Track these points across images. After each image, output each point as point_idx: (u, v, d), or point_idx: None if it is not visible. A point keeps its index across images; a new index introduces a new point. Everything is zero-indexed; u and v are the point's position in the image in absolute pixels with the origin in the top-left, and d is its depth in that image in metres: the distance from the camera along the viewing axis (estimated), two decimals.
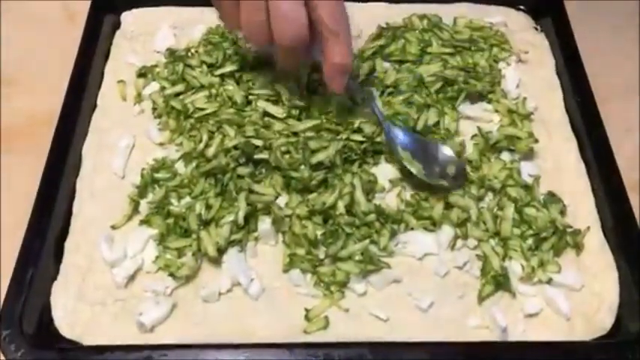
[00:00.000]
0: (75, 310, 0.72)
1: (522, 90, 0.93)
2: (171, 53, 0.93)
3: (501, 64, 0.96)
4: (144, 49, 0.97)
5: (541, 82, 0.95)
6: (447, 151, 0.82)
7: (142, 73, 0.92)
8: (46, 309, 0.73)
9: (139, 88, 0.92)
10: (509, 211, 0.78)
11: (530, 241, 0.76)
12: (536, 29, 1.02)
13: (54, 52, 0.99)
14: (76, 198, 0.81)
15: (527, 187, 0.81)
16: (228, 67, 0.89)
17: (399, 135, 0.82)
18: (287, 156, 0.81)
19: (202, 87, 0.89)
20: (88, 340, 0.71)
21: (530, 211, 0.78)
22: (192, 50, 0.94)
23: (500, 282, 0.73)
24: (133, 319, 0.71)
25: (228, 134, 0.82)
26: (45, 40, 1.03)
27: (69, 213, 0.80)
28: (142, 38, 0.99)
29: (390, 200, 0.81)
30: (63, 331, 0.71)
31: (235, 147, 0.81)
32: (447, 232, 0.77)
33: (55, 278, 0.75)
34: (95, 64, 0.93)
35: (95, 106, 0.90)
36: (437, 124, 0.86)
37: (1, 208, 0.84)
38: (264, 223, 0.77)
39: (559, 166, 0.85)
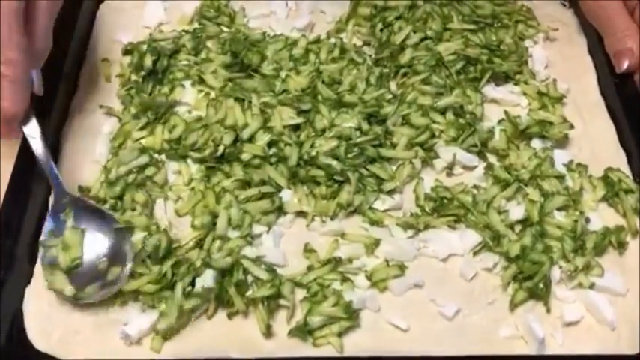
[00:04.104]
0: (50, 318, 0.64)
1: (552, 70, 0.85)
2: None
3: (527, 43, 0.87)
4: (131, 25, 0.88)
5: (572, 62, 0.86)
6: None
7: (129, 51, 0.83)
8: (18, 317, 0.64)
9: (126, 67, 0.82)
10: (549, 206, 0.70)
11: (569, 240, 0.67)
12: (564, 5, 0.93)
13: None
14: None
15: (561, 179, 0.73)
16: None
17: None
18: (289, 148, 0.73)
19: None
20: (65, 354, 0.62)
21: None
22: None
23: (534, 291, 0.65)
24: (116, 329, 0.63)
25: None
26: None
27: (45, 206, 0.71)
28: (129, 12, 0.90)
29: (407, 194, 0.73)
30: (37, 343, 0.63)
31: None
32: (472, 235, 0.69)
33: (28, 282, 0.66)
34: (76, 41, 0.84)
35: (76, 86, 0.82)
36: (461, 108, 0.77)
37: None
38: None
39: (596, 155, 0.77)
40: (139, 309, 0.64)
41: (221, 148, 0.72)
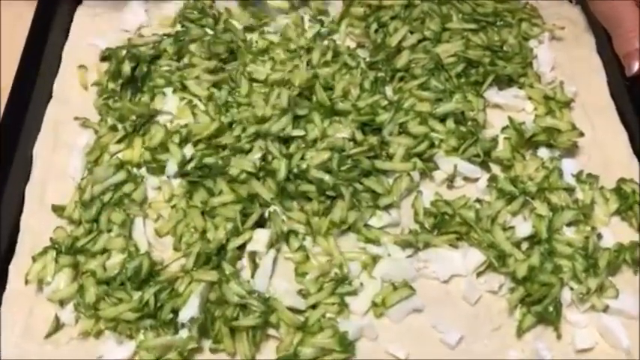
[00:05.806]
0: (20, 350, 0.61)
1: (558, 72, 0.80)
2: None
3: (532, 42, 0.82)
4: (110, 28, 0.84)
5: (580, 63, 0.82)
6: None
7: (107, 57, 0.78)
8: None
9: (103, 74, 0.78)
10: (558, 221, 0.65)
11: (581, 259, 0.63)
12: (570, 1, 0.88)
13: (4, 29, 0.84)
14: (25, 209, 0.69)
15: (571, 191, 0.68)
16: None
17: None
18: (278, 160, 0.68)
19: None
20: None
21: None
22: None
23: (544, 316, 0.61)
24: None
25: None
26: None
27: (15, 228, 0.67)
28: (108, 15, 0.85)
29: (405, 209, 0.68)
30: None
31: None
32: (475, 254, 0.65)
33: None
34: (51, 45, 0.80)
35: (50, 95, 0.77)
36: (461, 114, 0.72)
37: None
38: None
39: (607, 164, 0.72)
40: (116, 341, 0.59)
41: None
